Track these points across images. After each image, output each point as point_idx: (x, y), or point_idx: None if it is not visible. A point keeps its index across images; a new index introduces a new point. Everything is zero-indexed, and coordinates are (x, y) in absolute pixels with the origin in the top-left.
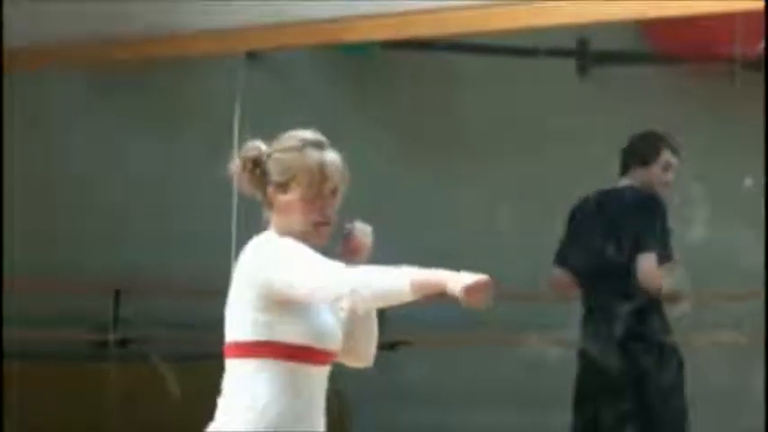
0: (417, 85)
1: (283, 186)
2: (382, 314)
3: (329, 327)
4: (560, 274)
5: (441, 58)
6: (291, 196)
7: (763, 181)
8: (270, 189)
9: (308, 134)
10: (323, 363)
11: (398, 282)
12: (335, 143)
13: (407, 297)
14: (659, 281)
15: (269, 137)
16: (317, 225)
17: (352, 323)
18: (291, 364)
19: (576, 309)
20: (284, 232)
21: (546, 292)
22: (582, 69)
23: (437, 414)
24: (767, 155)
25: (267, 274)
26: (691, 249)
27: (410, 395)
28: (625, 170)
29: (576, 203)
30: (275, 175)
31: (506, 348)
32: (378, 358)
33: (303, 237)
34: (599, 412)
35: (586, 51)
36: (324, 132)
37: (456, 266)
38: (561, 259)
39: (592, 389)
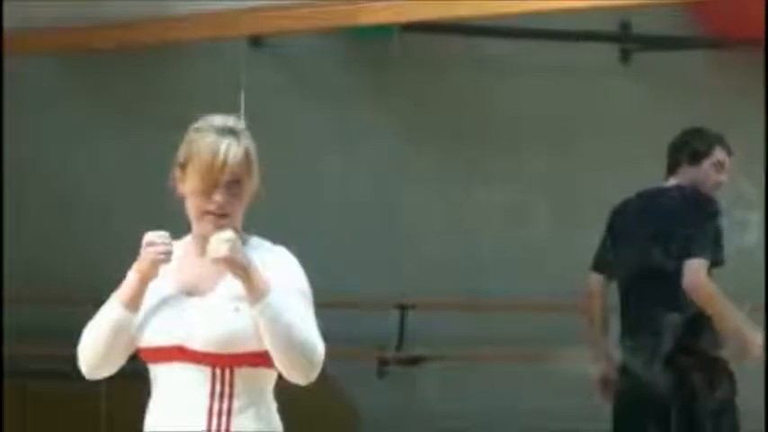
0: (441, 72)
1: (182, 169)
2: (402, 329)
3: None
4: (597, 280)
5: (468, 42)
6: (188, 180)
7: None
8: (175, 172)
9: (218, 119)
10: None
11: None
12: (348, 135)
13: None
14: (707, 289)
15: (275, 130)
16: (206, 213)
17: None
18: None
19: (614, 320)
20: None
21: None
22: (625, 55)
23: None
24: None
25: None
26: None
27: (432, 415)
28: (673, 168)
29: (617, 204)
30: (179, 156)
31: (537, 365)
32: (397, 376)
33: (196, 224)
34: None
35: (629, 36)
36: (336, 124)
37: (476, 275)
38: (600, 265)
39: (634, 409)
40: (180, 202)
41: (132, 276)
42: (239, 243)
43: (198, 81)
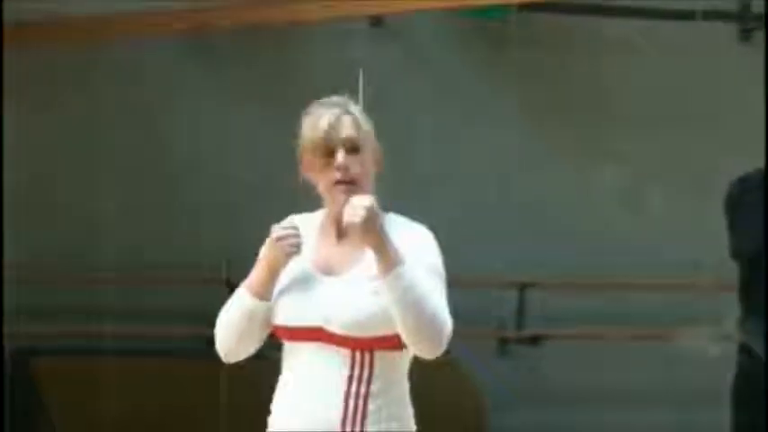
0: (558, 51)
1: (303, 151)
2: (522, 307)
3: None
4: None
5: (585, 21)
6: (309, 158)
7: None
8: (300, 157)
9: (327, 99)
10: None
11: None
12: (467, 113)
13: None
14: None
15: (395, 111)
16: (335, 184)
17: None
18: None
19: (732, 299)
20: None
21: (700, 282)
22: (744, 34)
23: (583, 415)
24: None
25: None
26: None
27: (554, 395)
28: None
29: (736, 180)
30: (300, 140)
31: (657, 344)
32: (518, 355)
33: (331, 202)
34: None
35: (749, 14)
36: (454, 103)
37: (595, 254)
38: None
39: (755, 390)
40: (311, 187)
41: (261, 266)
42: (377, 210)
43: (318, 61)
